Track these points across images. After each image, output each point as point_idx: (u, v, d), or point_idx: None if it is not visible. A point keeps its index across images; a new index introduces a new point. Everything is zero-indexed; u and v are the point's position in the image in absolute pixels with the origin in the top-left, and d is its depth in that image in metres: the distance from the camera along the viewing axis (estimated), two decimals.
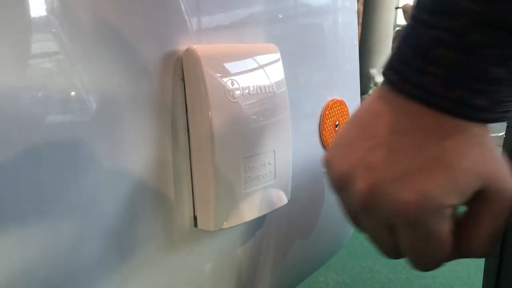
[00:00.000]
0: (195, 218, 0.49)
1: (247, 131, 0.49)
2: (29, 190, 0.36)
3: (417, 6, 0.27)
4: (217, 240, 0.54)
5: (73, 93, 0.38)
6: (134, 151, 0.43)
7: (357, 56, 0.74)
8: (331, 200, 0.71)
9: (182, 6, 0.45)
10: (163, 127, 0.45)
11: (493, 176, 0.26)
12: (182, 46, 0.45)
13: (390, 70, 0.27)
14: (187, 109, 0.47)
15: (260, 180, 0.52)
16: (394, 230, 0.27)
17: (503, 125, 0.45)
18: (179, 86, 0.46)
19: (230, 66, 0.48)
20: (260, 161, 0.52)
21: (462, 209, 0.28)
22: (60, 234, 0.39)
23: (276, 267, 0.65)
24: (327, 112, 0.67)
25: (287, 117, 0.55)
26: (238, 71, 0.49)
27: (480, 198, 0.27)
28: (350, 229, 0.81)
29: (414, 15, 0.27)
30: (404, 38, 0.27)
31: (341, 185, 0.29)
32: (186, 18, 0.46)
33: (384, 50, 5.34)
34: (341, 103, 0.69)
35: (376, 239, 0.30)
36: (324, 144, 0.68)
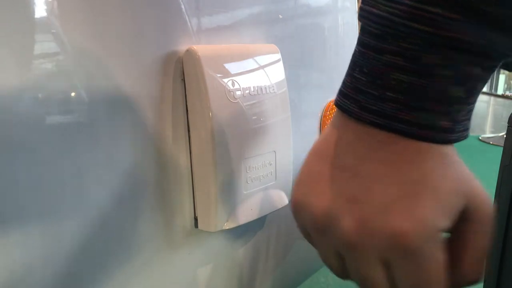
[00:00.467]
0: (195, 219, 0.49)
1: (248, 131, 0.49)
2: (29, 190, 0.36)
3: (363, 31, 0.26)
4: (218, 240, 0.54)
5: (73, 94, 0.38)
6: (135, 152, 0.43)
7: None
8: None
9: (183, 6, 0.45)
10: (163, 128, 0.45)
11: (473, 194, 0.26)
12: (182, 47, 0.45)
13: (345, 99, 0.26)
14: (188, 109, 0.47)
15: (260, 181, 0.52)
16: (389, 266, 0.26)
17: (503, 125, 0.45)
18: (180, 87, 0.46)
19: (231, 67, 0.48)
20: (260, 161, 0.52)
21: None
22: (60, 234, 0.39)
23: (277, 268, 0.65)
24: (328, 112, 0.67)
25: (288, 117, 0.55)
26: (239, 71, 0.49)
27: (463, 220, 0.26)
28: None
29: (362, 41, 0.26)
30: (354, 66, 0.26)
31: (321, 226, 0.27)
32: (187, 18, 0.46)
33: None
34: None
35: (367, 282, 0.27)
36: None
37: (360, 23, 0.26)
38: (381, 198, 0.25)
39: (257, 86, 0.50)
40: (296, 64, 0.61)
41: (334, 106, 0.69)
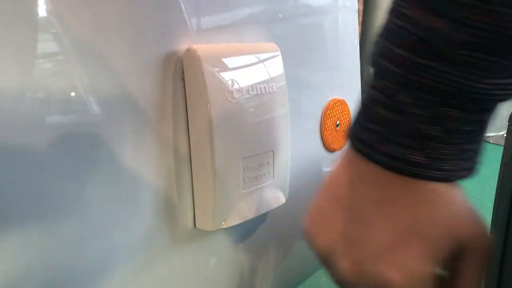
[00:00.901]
0: (194, 218, 0.49)
1: (247, 131, 0.49)
2: (30, 190, 0.36)
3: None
4: (218, 240, 0.54)
5: (73, 94, 0.38)
6: (134, 151, 0.43)
7: (358, 55, 0.74)
8: None
9: (182, 5, 0.45)
10: (163, 127, 0.45)
11: (468, 236, 0.27)
12: (182, 46, 0.45)
13: (349, 128, 0.29)
14: (187, 109, 0.46)
15: (258, 180, 0.52)
16: None
17: (503, 124, 0.45)
18: (180, 86, 0.46)
19: (231, 66, 0.48)
20: (259, 161, 0.52)
21: None
22: (61, 234, 0.39)
23: (278, 268, 0.65)
24: (328, 112, 0.67)
25: (287, 117, 0.55)
26: (239, 71, 0.49)
27: (457, 258, 0.27)
28: None
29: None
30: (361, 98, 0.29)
31: (324, 259, 0.29)
32: (187, 17, 0.46)
33: None
34: (342, 103, 0.69)
35: None
36: (325, 144, 0.67)
37: None
38: (375, 245, 0.27)
39: (256, 86, 0.50)
40: (296, 63, 0.61)
41: (334, 105, 0.69)
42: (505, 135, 0.47)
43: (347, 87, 0.71)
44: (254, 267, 0.61)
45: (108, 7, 0.40)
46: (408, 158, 0.25)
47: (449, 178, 0.26)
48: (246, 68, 0.50)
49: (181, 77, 0.46)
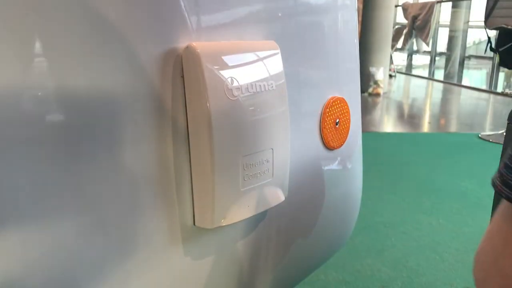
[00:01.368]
0: (194, 215, 0.49)
1: (246, 129, 0.49)
2: (30, 190, 0.36)
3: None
4: (219, 237, 0.54)
5: (71, 92, 0.38)
6: (134, 149, 0.43)
7: (358, 54, 0.74)
8: (331, 199, 0.71)
9: (182, 3, 0.45)
10: (162, 124, 0.45)
11: None
12: (182, 44, 0.45)
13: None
14: (187, 106, 0.46)
15: (257, 178, 0.52)
16: None
17: (502, 122, 0.45)
18: (179, 84, 0.46)
19: (230, 64, 0.48)
20: (258, 159, 0.52)
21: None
22: (61, 233, 0.39)
23: (277, 265, 0.65)
24: (328, 110, 0.67)
25: (286, 115, 0.55)
26: (238, 68, 0.48)
27: None
28: (350, 228, 0.81)
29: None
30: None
31: None
32: (186, 15, 0.46)
33: (384, 48, 5.35)
34: (341, 101, 0.69)
35: None
36: (324, 142, 0.67)
37: None
38: None
39: (256, 84, 0.50)
40: (296, 62, 0.61)
41: (334, 103, 0.69)
42: (504, 133, 0.47)
43: (346, 85, 0.71)
44: (253, 264, 0.61)
45: (107, 5, 0.40)
46: None
47: None
48: (246, 66, 0.50)
49: (181, 75, 0.46)
